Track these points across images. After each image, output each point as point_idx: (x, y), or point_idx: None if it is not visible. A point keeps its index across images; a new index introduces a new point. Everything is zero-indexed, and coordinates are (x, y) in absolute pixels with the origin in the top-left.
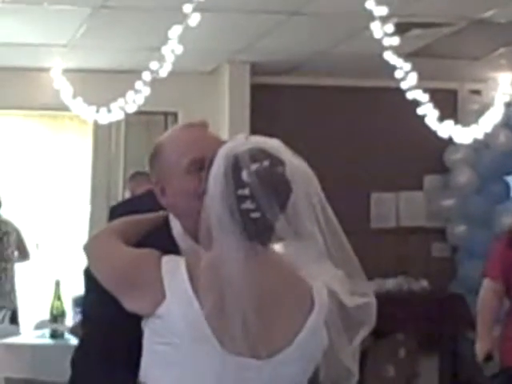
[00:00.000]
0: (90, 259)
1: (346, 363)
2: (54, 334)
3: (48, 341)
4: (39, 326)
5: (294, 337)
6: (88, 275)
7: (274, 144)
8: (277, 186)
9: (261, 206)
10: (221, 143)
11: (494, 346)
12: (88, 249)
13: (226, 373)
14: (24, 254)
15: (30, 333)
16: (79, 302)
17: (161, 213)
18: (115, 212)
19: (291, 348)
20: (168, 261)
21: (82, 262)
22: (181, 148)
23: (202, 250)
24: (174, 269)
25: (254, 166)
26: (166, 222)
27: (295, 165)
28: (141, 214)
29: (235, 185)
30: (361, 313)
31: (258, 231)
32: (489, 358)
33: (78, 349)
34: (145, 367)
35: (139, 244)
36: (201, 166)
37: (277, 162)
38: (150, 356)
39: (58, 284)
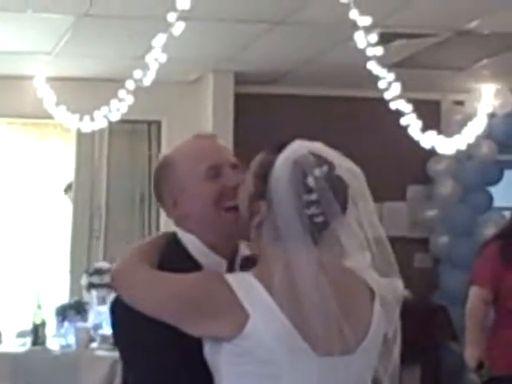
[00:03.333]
0: (128, 292)
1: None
2: (36, 343)
3: (29, 349)
4: (21, 335)
5: (368, 327)
6: (121, 307)
7: (322, 148)
8: (338, 190)
9: (325, 211)
10: (231, 152)
11: (484, 353)
12: (120, 280)
13: (323, 376)
14: None
15: (12, 341)
16: (60, 312)
17: (164, 232)
18: None
19: (368, 338)
20: (236, 278)
21: (65, 271)
22: (196, 155)
23: (224, 261)
24: (247, 285)
25: (317, 171)
26: (175, 241)
27: (346, 166)
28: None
29: (303, 190)
30: (392, 293)
31: (318, 234)
32: (480, 365)
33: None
34: None
35: (159, 269)
36: (218, 171)
37: (332, 165)
38: (237, 379)
39: (39, 293)
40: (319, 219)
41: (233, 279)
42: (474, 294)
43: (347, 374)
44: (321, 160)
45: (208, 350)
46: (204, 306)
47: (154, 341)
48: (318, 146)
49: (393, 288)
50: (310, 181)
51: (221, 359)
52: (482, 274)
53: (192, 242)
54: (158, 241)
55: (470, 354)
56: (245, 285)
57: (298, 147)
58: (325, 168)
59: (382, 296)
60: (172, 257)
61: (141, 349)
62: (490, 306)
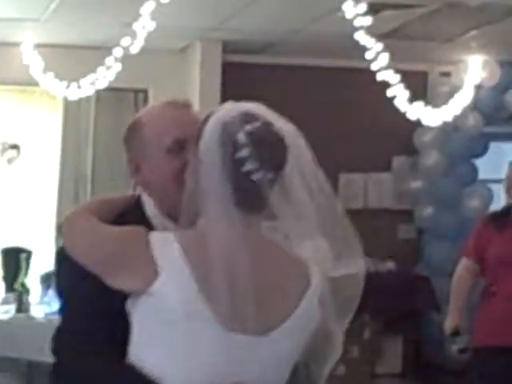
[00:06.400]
0: (68, 238)
1: (335, 340)
2: (20, 310)
3: (13, 316)
4: (5, 302)
5: (288, 315)
6: (63, 256)
7: (259, 107)
8: (273, 143)
9: (262, 165)
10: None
11: (462, 321)
12: (65, 228)
13: (222, 350)
14: None
15: None
16: (45, 279)
17: (132, 193)
18: None
19: (285, 325)
20: (157, 236)
21: (50, 238)
22: (164, 126)
23: (179, 228)
24: (165, 245)
25: (248, 127)
26: (137, 202)
27: (285, 127)
28: (113, 195)
29: (232, 149)
30: (347, 285)
31: (254, 198)
32: (456, 332)
33: (60, 333)
34: (135, 346)
35: (113, 224)
36: (182, 146)
37: (267, 122)
38: (142, 335)
39: (25, 260)
40: (257, 176)
41: (154, 236)
42: (461, 264)
43: (253, 355)
44: (254, 117)
45: (128, 304)
46: (119, 257)
47: (87, 293)
48: (254, 106)
49: (351, 271)
50: (241, 137)
51: (133, 314)
52: (468, 244)
53: (149, 206)
54: (123, 198)
55: (448, 320)
56: (163, 243)
57: (229, 108)
58: (257, 124)
59: (322, 292)
60: (128, 215)
61: (74, 298)
62: (477, 277)
